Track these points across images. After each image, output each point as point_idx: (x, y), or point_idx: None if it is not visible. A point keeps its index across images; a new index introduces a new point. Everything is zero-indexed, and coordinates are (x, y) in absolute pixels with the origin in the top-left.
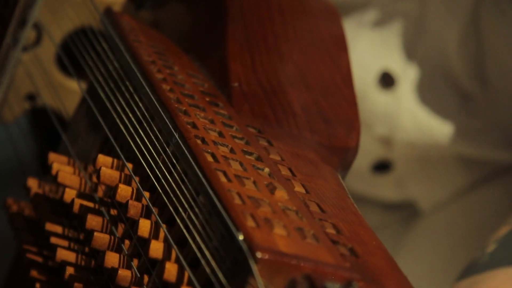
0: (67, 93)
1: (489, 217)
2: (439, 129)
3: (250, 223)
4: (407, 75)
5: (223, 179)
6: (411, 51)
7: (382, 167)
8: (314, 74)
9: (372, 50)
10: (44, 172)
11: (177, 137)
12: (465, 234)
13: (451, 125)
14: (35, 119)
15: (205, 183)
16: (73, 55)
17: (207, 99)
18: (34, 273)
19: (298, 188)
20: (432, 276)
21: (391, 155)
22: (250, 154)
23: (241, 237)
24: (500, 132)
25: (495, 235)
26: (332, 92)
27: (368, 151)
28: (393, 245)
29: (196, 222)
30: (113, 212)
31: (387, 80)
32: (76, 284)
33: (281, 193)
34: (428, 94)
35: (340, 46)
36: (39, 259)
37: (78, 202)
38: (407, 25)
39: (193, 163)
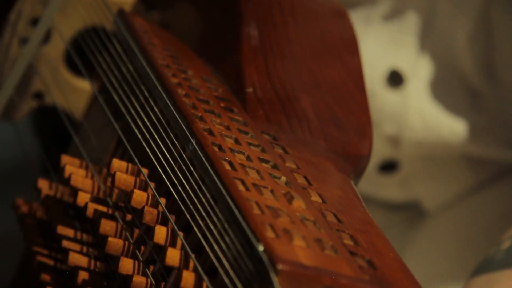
0: (75, 91)
1: (495, 217)
2: (447, 127)
3: (269, 233)
4: (416, 73)
5: (241, 188)
6: (420, 49)
7: (388, 167)
8: (326, 79)
9: (380, 48)
10: (51, 170)
11: (194, 144)
12: (471, 234)
13: (459, 123)
14: (43, 118)
15: (224, 192)
16: (83, 54)
17: (222, 104)
18: (45, 276)
19: (315, 198)
20: (437, 276)
21: (398, 155)
22: (267, 162)
23: (261, 248)
24: (508, 131)
25: (510, 231)
26: (345, 97)
27: (375, 150)
28: (398, 246)
29: (213, 230)
30: (127, 217)
31: (395, 79)
32: None
33: (298, 203)
34: (437, 92)
35: (351, 50)
36: (50, 262)
37: (92, 206)
38: (416, 22)
39: (211, 171)
